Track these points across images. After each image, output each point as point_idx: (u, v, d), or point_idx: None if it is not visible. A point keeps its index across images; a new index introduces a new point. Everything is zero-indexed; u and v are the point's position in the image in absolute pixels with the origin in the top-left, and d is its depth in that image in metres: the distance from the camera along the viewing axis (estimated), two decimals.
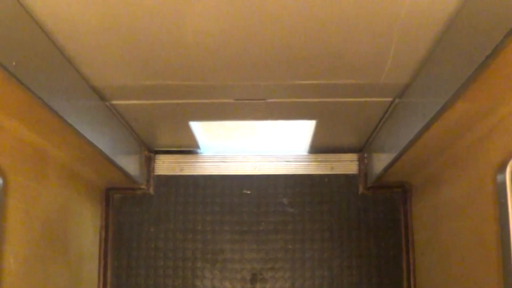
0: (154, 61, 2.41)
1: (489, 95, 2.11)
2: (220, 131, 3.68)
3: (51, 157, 2.90)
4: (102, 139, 2.91)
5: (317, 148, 3.89)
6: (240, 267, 3.88)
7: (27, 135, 2.57)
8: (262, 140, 3.86)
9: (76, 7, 1.97)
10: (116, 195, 3.95)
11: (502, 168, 2.21)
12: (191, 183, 3.98)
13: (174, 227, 3.93)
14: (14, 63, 1.87)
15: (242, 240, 3.90)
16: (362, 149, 3.92)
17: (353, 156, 3.98)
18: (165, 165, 4.01)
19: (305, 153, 3.98)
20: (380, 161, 3.42)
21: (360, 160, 3.96)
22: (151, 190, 3.97)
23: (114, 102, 2.93)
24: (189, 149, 3.88)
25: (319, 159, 3.99)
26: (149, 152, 3.97)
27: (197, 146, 3.84)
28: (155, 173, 3.99)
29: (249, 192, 3.96)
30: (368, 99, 2.88)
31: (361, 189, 3.94)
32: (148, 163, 3.97)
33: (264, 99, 2.87)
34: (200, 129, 3.64)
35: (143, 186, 3.90)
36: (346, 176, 3.97)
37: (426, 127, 2.44)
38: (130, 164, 3.54)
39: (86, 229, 3.56)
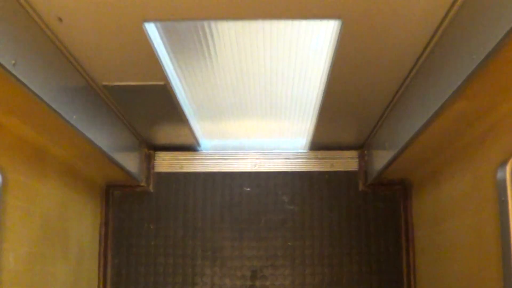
0: None
1: (490, 93, 2.10)
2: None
3: (51, 154, 2.90)
4: (102, 137, 2.90)
5: (317, 145, 3.89)
6: (240, 264, 3.88)
7: (27, 133, 2.56)
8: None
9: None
10: (116, 192, 3.95)
11: (502, 165, 2.21)
12: (191, 180, 3.98)
13: (174, 224, 3.93)
14: (13, 62, 1.87)
15: (242, 237, 3.91)
16: (363, 146, 3.92)
17: (353, 153, 3.98)
18: (165, 163, 4.01)
19: (305, 150, 3.98)
20: (381, 158, 3.42)
21: (360, 157, 3.96)
22: (151, 188, 3.97)
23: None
24: (188, 144, 3.86)
25: (319, 156, 3.98)
26: (149, 149, 3.97)
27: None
28: (155, 170, 3.99)
29: (249, 189, 3.96)
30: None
31: (361, 186, 3.94)
32: (148, 160, 3.97)
33: None
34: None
35: (142, 184, 3.90)
36: (346, 173, 3.96)
37: (427, 125, 2.44)
38: (130, 162, 3.54)
39: (86, 226, 3.56)
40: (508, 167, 2.17)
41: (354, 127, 3.50)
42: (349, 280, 3.83)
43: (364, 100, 2.96)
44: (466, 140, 2.62)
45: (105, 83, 2.73)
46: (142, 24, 2.12)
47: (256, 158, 4.00)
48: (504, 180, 2.16)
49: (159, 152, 4.00)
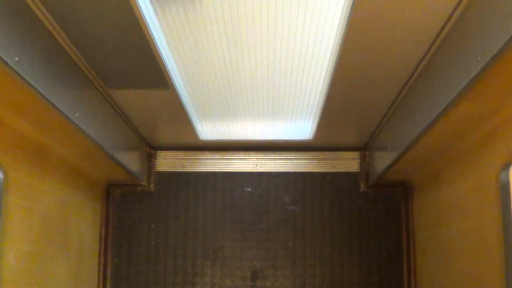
0: None
1: (494, 95, 2.09)
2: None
3: (52, 153, 2.89)
4: (103, 136, 2.89)
5: (319, 146, 3.88)
6: (241, 264, 3.87)
7: (28, 131, 2.55)
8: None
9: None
10: (116, 191, 3.94)
11: (505, 168, 2.20)
12: (192, 180, 3.97)
13: (174, 224, 3.92)
14: (16, 59, 1.86)
15: (242, 237, 3.90)
16: (365, 147, 3.91)
17: (355, 154, 3.97)
18: (166, 162, 4.00)
19: (307, 151, 3.97)
20: (383, 160, 3.41)
21: (362, 158, 3.95)
22: (152, 187, 3.96)
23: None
24: (190, 142, 3.83)
25: (320, 157, 3.98)
26: (150, 148, 3.96)
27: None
28: (156, 170, 3.99)
29: (250, 189, 3.96)
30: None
31: (362, 187, 3.93)
32: (149, 159, 3.96)
33: None
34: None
35: (143, 183, 3.89)
36: (348, 174, 3.96)
37: (430, 126, 2.43)
38: (131, 161, 3.53)
39: (86, 225, 3.55)
40: (511, 169, 2.17)
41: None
42: (349, 281, 3.83)
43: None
44: (469, 142, 2.61)
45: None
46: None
47: (258, 159, 3.99)
48: (508, 183, 2.16)
49: (160, 151, 4.00)
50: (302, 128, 3.64)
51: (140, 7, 2.02)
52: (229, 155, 3.99)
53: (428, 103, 2.41)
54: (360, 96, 2.87)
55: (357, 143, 3.83)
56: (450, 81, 2.13)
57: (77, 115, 2.48)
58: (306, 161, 3.98)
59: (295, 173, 3.96)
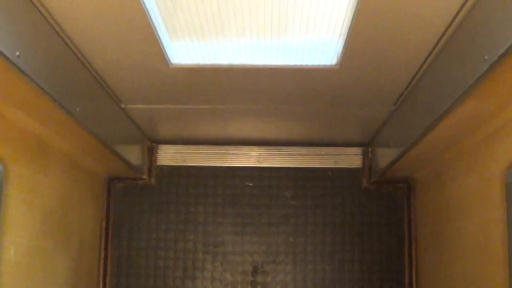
0: None
1: (499, 94, 2.08)
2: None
3: (53, 146, 2.88)
4: (104, 129, 2.88)
5: (321, 141, 3.86)
6: (241, 259, 3.87)
7: (29, 125, 2.54)
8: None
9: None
10: (117, 185, 3.93)
11: (510, 166, 2.18)
12: (193, 174, 3.96)
13: (175, 218, 3.91)
14: (17, 53, 1.85)
15: (243, 232, 3.89)
16: (368, 144, 3.89)
17: (357, 150, 3.96)
18: (167, 156, 3.99)
19: (309, 146, 3.95)
20: (385, 156, 3.40)
21: (364, 154, 3.93)
22: (153, 181, 3.94)
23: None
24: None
25: (322, 153, 3.96)
26: (152, 142, 3.94)
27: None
28: (158, 163, 3.97)
29: (251, 184, 3.94)
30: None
31: (364, 184, 3.92)
32: (151, 153, 3.94)
33: None
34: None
35: (145, 176, 3.88)
36: (350, 170, 3.94)
37: (434, 124, 2.41)
38: (132, 154, 3.52)
39: (87, 219, 3.54)
40: None
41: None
42: (350, 277, 3.82)
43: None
44: (473, 140, 2.60)
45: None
46: None
47: (260, 154, 3.97)
48: None
49: (162, 145, 3.98)
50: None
51: None
52: (231, 149, 3.98)
53: (434, 100, 2.40)
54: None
55: (360, 139, 3.81)
56: (456, 79, 2.11)
57: (78, 109, 2.47)
58: (308, 156, 3.96)
59: (296, 168, 3.95)
